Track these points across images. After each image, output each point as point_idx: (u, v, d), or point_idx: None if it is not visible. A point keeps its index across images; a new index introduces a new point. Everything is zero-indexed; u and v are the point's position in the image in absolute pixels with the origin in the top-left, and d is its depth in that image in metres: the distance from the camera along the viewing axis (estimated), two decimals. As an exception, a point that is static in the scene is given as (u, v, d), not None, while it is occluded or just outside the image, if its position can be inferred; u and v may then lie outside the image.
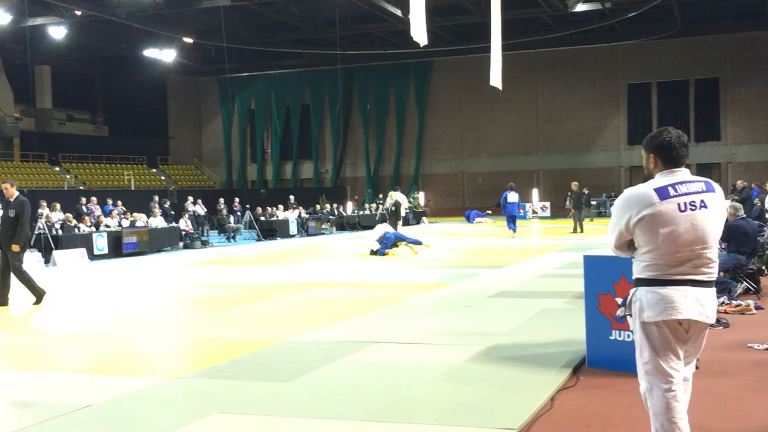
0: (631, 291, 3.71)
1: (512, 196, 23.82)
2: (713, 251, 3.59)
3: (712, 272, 3.60)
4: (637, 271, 3.66)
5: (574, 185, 26.33)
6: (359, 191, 47.71)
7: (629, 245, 3.70)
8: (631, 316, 3.72)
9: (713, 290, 3.62)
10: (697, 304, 3.53)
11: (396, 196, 26.13)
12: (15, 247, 10.66)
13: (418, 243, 17.90)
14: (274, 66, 48.84)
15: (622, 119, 44.61)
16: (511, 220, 23.79)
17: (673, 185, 3.56)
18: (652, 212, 3.51)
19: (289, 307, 10.00)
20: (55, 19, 33.58)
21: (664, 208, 3.50)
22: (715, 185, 3.68)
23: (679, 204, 3.52)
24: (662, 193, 3.54)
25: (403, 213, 26.46)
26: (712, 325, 3.85)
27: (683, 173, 3.63)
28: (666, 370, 3.58)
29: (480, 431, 4.55)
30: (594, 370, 5.88)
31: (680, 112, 43.29)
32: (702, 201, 3.55)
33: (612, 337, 5.89)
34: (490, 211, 35.81)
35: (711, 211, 3.56)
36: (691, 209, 3.52)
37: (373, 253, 17.87)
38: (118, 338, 8.10)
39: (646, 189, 3.58)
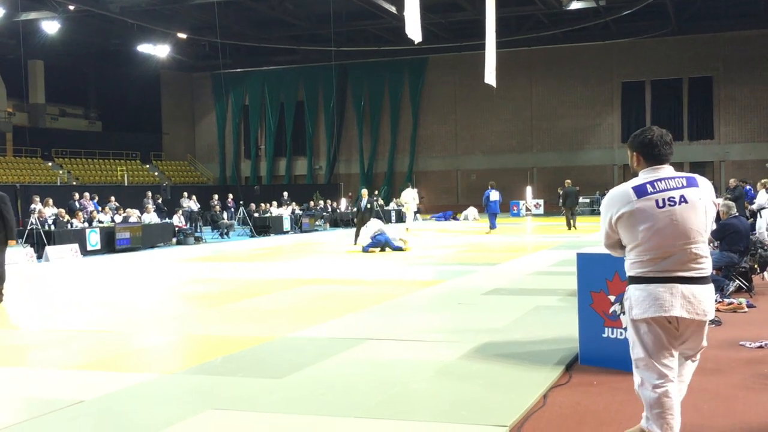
0: (625, 288, 3.75)
1: (494, 195, 24.59)
2: (700, 246, 3.59)
3: (702, 267, 3.60)
4: (627, 269, 3.72)
5: (567, 183, 26.48)
6: (353, 188, 47.67)
7: (619, 244, 3.77)
8: (624, 313, 3.76)
9: (707, 286, 3.61)
10: (685, 301, 3.54)
11: (406, 193, 26.49)
12: (13, 242, 10.80)
13: (400, 249, 17.89)
14: (269, 62, 48.75)
15: (616, 117, 44.70)
16: (493, 217, 24.53)
17: (651, 182, 3.61)
18: (630, 210, 3.57)
19: (284, 304, 10.01)
20: (48, 14, 33.45)
21: (641, 206, 3.56)
22: (700, 180, 3.69)
23: (657, 201, 3.56)
24: (640, 190, 3.59)
25: (414, 208, 26.81)
26: None
27: (666, 170, 3.67)
28: (657, 366, 3.61)
29: (473, 428, 4.56)
30: (587, 368, 5.91)
31: (674, 110, 43.42)
32: (682, 196, 3.57)
33: (605, 335, 5.91)
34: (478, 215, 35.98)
35: (692, 206, 3.57)
36: (670, 205, 3.55)
37: (364, 249, 17.88)
38: (112, 334, 8.09)
39: (625, 188, 3.65)
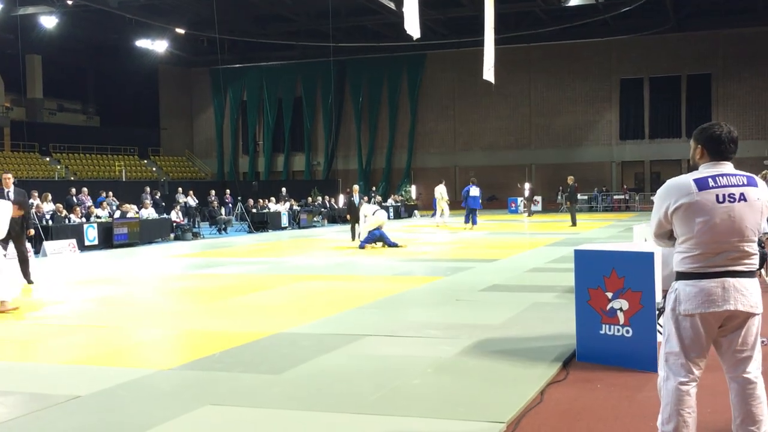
0: (672, 284, 3.75)
1: (474, 190, 25.10)
2: (751, 245, 3.61)
3: (752, 263, 3.62)
4: (676, 263, 3.71)
5: (570, 179, 26.47)
6: (351, 184, 47.64)
7: (670, 236, 3.76)
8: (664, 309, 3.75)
9: (754, 280, 3.63)
10: (738, 294, 3.55)
11: (438, 188, 26.96)
12: (31, 232, 12.15)
13: (395, 245, 17.84)
14: (267, 58, 48.73)
15: (615, 114, 44.72)
16: (472, 213, 25.01)
17: (713, 177, 3.60)
18: (689, 201, 3.56)
19: (281, 299, 10.01)
20: (46, 9, 33.41)
21: (701, 199, 3.55)
22: (759, 180, 3.70)
23: (717, 195, 3.56)
24: (701, 183, 3.58)
25: (445, 206, 27.29)
26: None
27: (727, 167, 3.67)
28: (688, 364, 3.62)
29: (470, 424, 4.57)
30: (584, 364, 5.91)
31: (672, 107, 43.44)
32: (742, 194, 3.58)
33: (602, 332, 5.91)
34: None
35: (750, 205, 3.58)
36: (730, 201, 3.55)
37: (361, 245, 17.79)
38: (109, 329, 8.09)
39: (686, 179, 3.64)
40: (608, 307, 5.85)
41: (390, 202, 37.82)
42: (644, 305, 5.66)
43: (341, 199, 37.25)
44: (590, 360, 5.94)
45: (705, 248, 3.56)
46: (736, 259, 3.58)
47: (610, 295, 5.82)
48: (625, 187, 43.60)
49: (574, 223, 25.14)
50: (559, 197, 39.58)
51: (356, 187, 21.61)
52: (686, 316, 3.60)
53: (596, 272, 5.89)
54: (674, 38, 41.72)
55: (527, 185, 37.76)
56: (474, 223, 24.98)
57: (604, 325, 5.91)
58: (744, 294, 3.56)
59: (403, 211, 37.09)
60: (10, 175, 11.62)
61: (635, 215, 32.78)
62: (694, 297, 3.57)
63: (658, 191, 3.77)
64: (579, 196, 35.61)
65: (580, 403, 5.00)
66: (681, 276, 3.66)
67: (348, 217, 21.44)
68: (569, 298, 7.58)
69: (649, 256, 5.55)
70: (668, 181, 3.73)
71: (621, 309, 5.78)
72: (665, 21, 39.34)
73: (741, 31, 41.00)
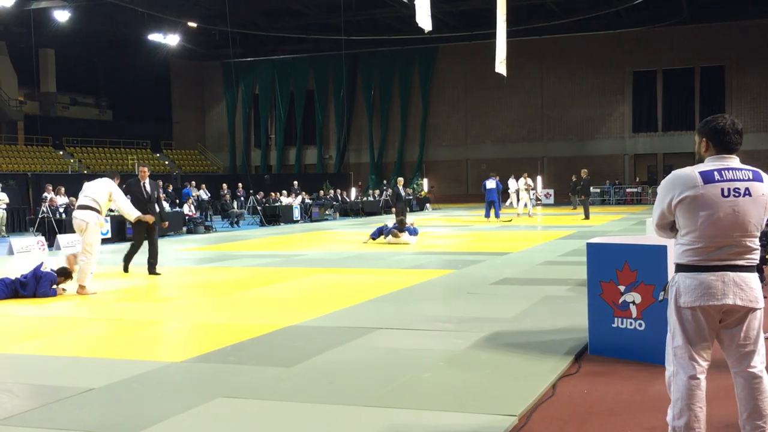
0: (671, 276, 3.74)
1: (490, 183, 25.86)
2: (754, 240, 3.60)
3: (753, 258, 3.60)
4: (676, 255, 3.69)
5: (584, 173, 26.52)
6: (363, 177, 47.70)
7: (671, 227, 3.74)
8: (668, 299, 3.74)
9: (755, 274, 3.62)
10: (738, 288, 3.53)
11: (521, 181, 27.58)
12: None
13: (415, 233, 17.77)
14: (279, 51, 48.72)
15: (627, 107, 44.50)
16: (488, 205, 25.81)
17: (719, 170, 3.58)
18: (694, 194, 3.54)
19: (293, 292, 10.03)
20: (59, 3, 33.52)
21: (706, 192, 3.53)
22: (765, 176, 3.67)
23: (722, 189, 3.53)
24: (707, 176, 3.56)
25: (526, 195, 27.68)
26: None
27: (733, 161, 3.65)
28: (695, 356, 3.62)
29: (482, 417, 4.56)
30: (596, 358, 5.90)
31: (685, 99, 43.17)
32: (747, 189, 3.55)
33: (614, 325, 5.89)
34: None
35: (755, 200, 3.56)
36: (735, 196, 3.53)
37: (385, 236, 17.67)
38: (122, 321, 8.13)
39: (692, 171, 3.61)
40: (620, 301, 5.83)
41: (403, 194, 37.75)
42: (657, 299, 5.63)
43: (353, 193, 37.28)
44: (602, 353, 5.93)
45: (707, 242, 3.54)
46: (737, 254, 3.55)
47: (622, 288, 5.80)
48: (637, 179, 43.39)
49: (587, 216, 25.13)
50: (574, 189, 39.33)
51: (401, 179, 21.89)
52: (687, 308, 3.60)
53: (609, 265, 5.87)
54: (687, 30, 41.42)
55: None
56: (494, 216, 25.68)
57: (616, 319, 5.89)
58: (743, 288, 3.54)
59: (414, 204, 37.07)
60: (146, 169, 12.77)
61: (648, 208, 32.63)
62: (694, 290, 3.56)
63: (663, 182, 3.73)
64: (591, 189, 35.48)
65: (592, 396, 4.99)
66: (681, 268, 3.65)
67: (393, 210, 21.68)
68: (581, 291, 7.56)
69: (662, 249, 5.53)
70: (673, 172, 3.70)
71: (633, 302, 5.76)
72: (678, 13, 39.06)
73: (754, 22, 40.66)
